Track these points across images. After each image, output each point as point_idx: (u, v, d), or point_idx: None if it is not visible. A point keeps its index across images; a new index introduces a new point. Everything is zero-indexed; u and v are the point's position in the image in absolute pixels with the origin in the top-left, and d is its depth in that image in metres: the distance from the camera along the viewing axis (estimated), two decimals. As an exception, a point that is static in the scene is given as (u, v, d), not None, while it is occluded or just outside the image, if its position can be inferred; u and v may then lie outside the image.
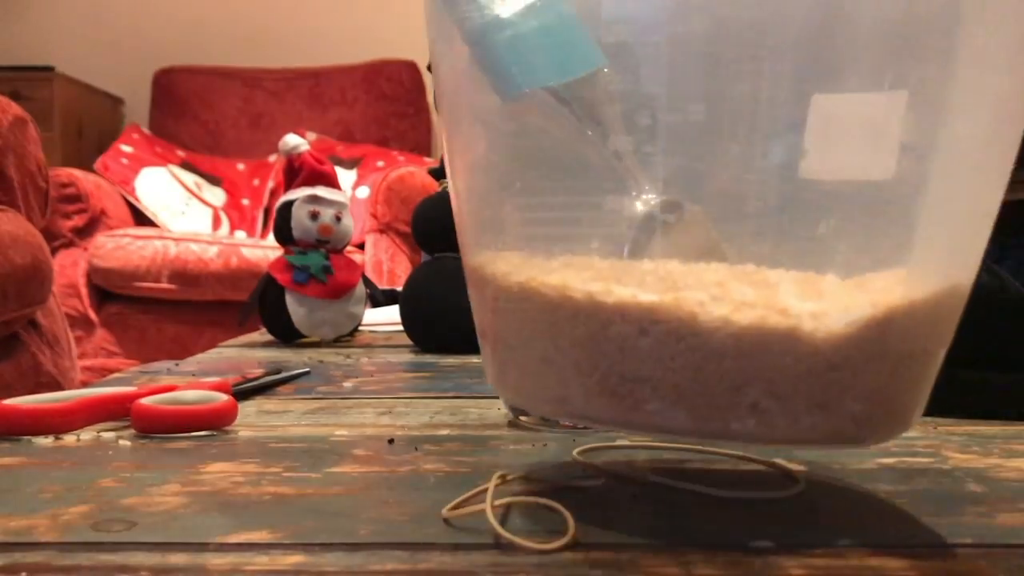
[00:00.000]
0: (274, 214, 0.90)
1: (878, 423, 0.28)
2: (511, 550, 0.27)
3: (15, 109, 1.29)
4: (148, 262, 2.06)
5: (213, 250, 2.09)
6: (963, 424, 0.46)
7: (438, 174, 0.93)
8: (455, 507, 0.31)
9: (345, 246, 0.91)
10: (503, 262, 0.32)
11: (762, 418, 0.27)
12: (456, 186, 0.36)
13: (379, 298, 0.95)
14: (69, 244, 2.13)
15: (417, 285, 0.82)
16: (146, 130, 2.67)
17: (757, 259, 0.29)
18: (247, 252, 2.10)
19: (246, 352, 0.82)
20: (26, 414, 0.44)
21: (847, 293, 0.27)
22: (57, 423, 0.44)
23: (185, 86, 2.77)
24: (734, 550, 0.27)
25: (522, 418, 0.46)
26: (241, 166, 2.63)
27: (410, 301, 0.82)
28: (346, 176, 2.44)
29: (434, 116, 2.75)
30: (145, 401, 0.45)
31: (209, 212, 2.44)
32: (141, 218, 2.35)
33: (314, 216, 0.87)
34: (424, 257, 0.88)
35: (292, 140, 0.89)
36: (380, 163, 2.50)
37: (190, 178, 2.51)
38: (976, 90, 0.28)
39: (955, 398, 0.48)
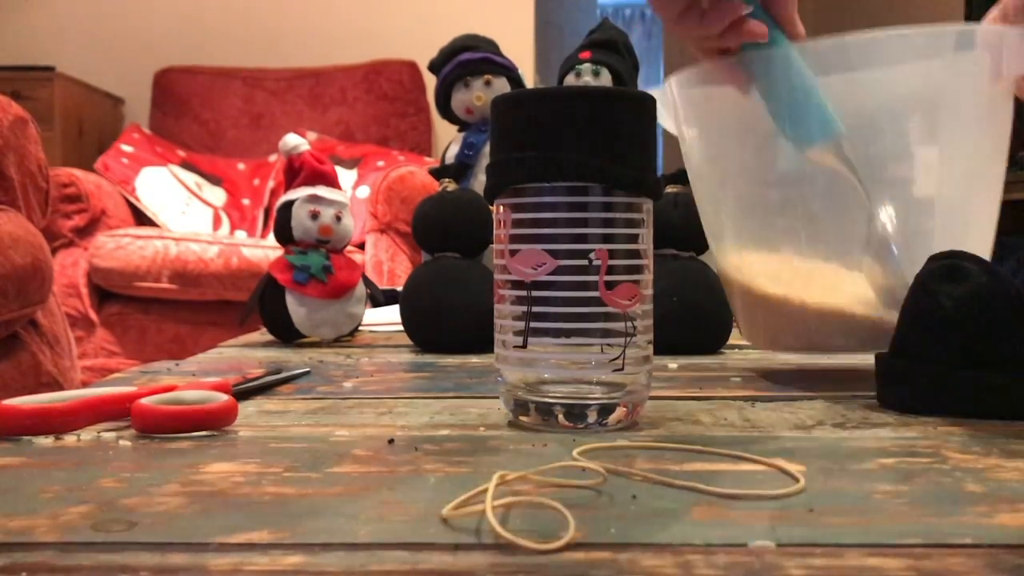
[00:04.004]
0: (274, 214, 0.90)
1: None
2: (511, 550, 0.27)
3: (15, 109, 1.29)
4: (148, 262, 2.06)
5: (213, 250, 2.09)
6: (963, 424, 0.46)
7: (438, 174, 0.93)
8: (455, 507, 0.31)
9: (345, 246, 0.91)
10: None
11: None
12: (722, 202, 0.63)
13: (379, 298, 0.95)
14: (69, 244, 2.14)
15: (417, 285, 0.82)
16: (146, 130, 2.67)
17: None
18: (247, 252, 2.10)
19: (246, 352, 0.82)
20: (26, 414, 0.44)
21: None
22: (57, 423, 0.44)
23: (185, 86, 2.77)
24: (734, 550, 0.27)
25: (522, 418, 0.46)
26: (241, 166, 2.63)
27: (410, 301, 0.82)
28: (346, 176, 2.44)
29: (434, 115, 2.75)
30: (145, 401, 0.45)
31: (209, 212, 2.44)
32: (141, 218, 2.35)
33: (314, 216, 0.87)
34: (424, 257, 0.88)
35: (292, 140, 0.89)
36: (380, 163, 2.50)
37: (190, 178, 2.51)
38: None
39: (955, 398, 0.48)
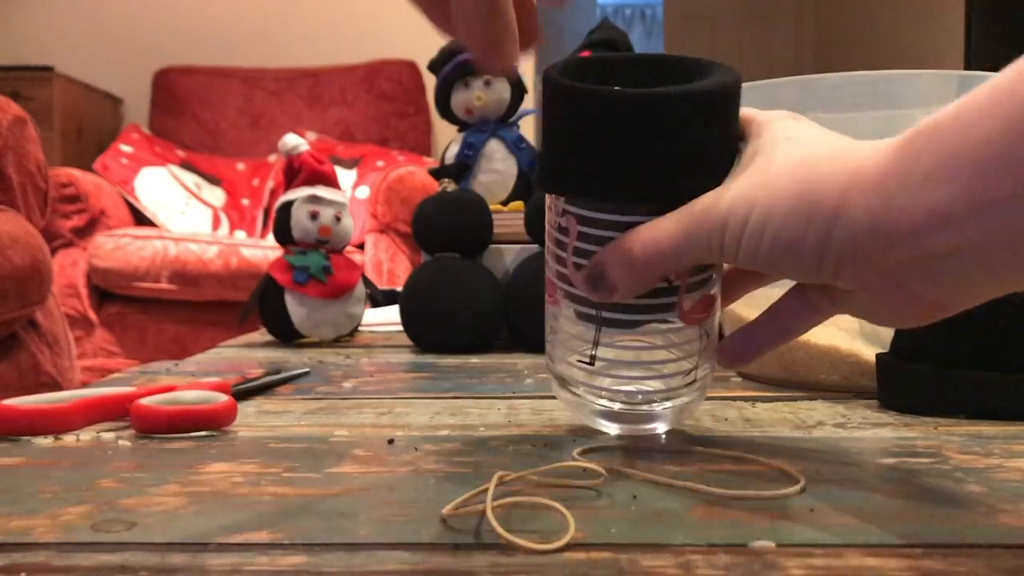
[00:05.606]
0: (274, 214, 0.90)
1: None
2: (511, 550, 0.27)
3: (15, 109, 1.29)
4: (148, 262, 2.06)
5: (213, 250, 2.09)
6: (964, 424, 0.46)
7: (438, 174, 0.93)
8: (455, 507, 0.31)
9: (345, 246, 0.91)
10: None
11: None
12: None
13: (379, 298, 0.95)
14: (69, 244, 2.13)
15: (417, 285, 0.82)
16: (146, 130, 2.67)
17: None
18: (247, 252, 2.10)
19: (246, 352, 0.82)
20: (26, 414, 0.44)
21: None
22: (57, 423, 0.44)
23: (185, 86, 2.77)
24: (735, 550, 0.27)
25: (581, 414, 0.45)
26: (241, 166, 2.63)
27: (410, 301, 0.82)
28: (346, 176, 2.44)
29: (434, 115, 2.75)
30: (145, 401, 0.45)
31: (209, 212, 2.44)
32: (141, 218, 2.35)
33: (314, 216, 0.87)
34: (424, 257, 0.88)
35: (291, 140, 0.89)
36: (380, 163, 2.50)
37: (190, 178, 2.51)
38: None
39: (955, 398, 0.48)
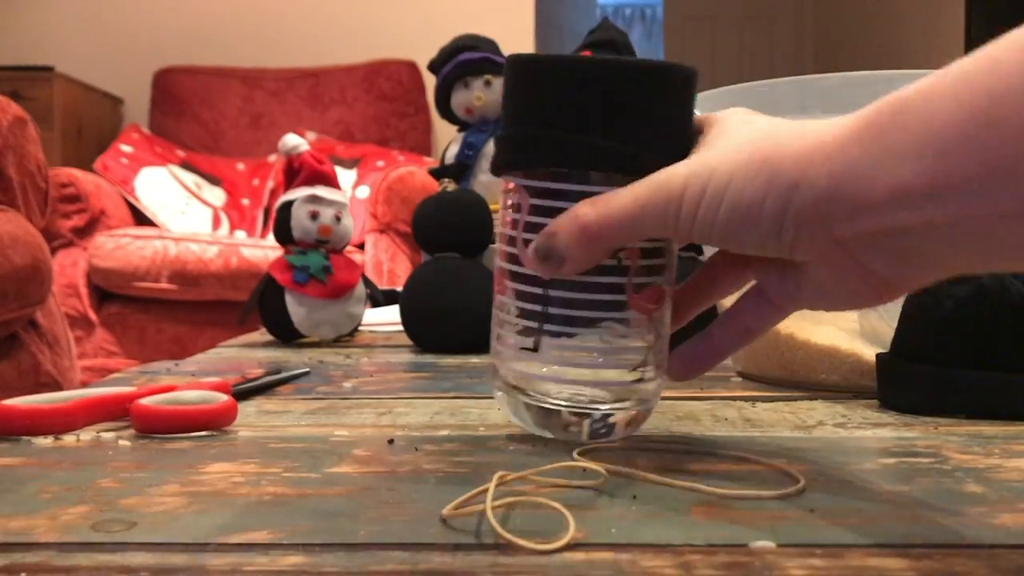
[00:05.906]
0: (274, 214, 0.90)
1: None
2: (511, 550, 0.27)
3: (15, 109, 1.29)
4: (148, 262, 2.06)
5: (213, 250, 2.09)
6: (964, 424, 0.46)
7: (438, 174, 0.93)
8: (455, 507, 0.31)
9: (345, 246, 0.91)
10: None
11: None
12: None
13: (379, 298, 0.95)
14: (69, 244, 2.13)
15: (417, 285, 0.82)
16: (146, 130, 2.67)
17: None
18: (247, 252, 2.10)
19: (246, 352, 0.82)
20: (26, 414, 0.44)
21: None
22: (57, 423, 0.44)
23: (185, 86, 2.77)
24: (735, 550, 0.27)
25: (521, 422, 0.46)
26: (241, 166, 2.63)
27: (410, 301, 0.82)
28: (346, 176, 2.44)
29: (434, 115, 2.75)
30: (145, 401, 0.45)
31: (209, 212, 2.44)
32: (141, 218, 2.35)
33: (314, 216, 0.87)
34: (424, 257, 0.88)
35: (292, 140, 0.89)
36: (380, 163, 2.50)
37: (190, 178, 2.51)
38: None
39: (955, 398, 0.48)
